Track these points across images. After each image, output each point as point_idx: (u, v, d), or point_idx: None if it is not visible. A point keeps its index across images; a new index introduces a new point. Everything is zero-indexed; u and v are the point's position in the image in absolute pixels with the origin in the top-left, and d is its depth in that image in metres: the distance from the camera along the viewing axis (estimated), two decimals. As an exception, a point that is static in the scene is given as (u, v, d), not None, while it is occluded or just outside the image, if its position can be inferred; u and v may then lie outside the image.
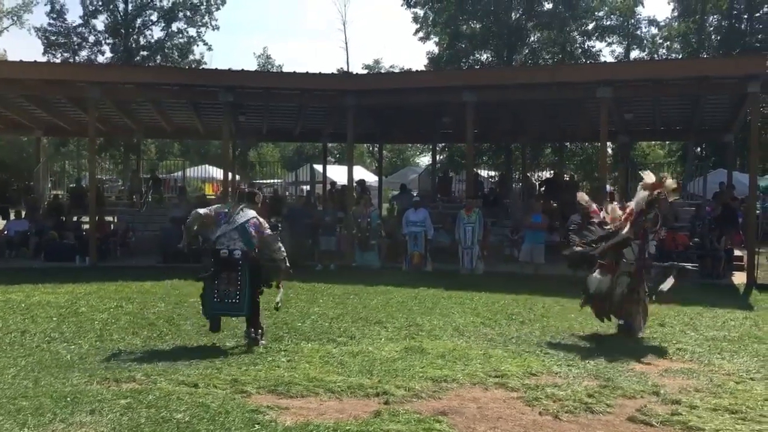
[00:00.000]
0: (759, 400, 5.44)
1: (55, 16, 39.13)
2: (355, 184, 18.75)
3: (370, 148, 45.86)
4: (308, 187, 25.88)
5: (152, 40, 41.02)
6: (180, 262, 14.82)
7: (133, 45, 40.31)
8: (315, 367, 6.37)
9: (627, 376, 6.18)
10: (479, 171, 28.05)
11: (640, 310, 8.03)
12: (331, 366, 6.42)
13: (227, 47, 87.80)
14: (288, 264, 7.68)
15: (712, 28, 38.37)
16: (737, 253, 14.82)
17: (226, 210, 7.58)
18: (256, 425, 4.74)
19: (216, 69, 18.73)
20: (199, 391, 5.53)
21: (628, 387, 5.80)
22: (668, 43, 40.53)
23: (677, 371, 6.40)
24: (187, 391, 5.50)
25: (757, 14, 36.66)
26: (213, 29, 42.53)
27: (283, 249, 7.63)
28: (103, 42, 40.11)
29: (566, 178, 24.75)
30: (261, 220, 7.59)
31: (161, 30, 41.27)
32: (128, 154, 27.23)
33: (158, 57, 40.33)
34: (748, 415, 5.06)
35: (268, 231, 7.60)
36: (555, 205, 18.01)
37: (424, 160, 51.22)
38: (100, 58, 39.11)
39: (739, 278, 13.44)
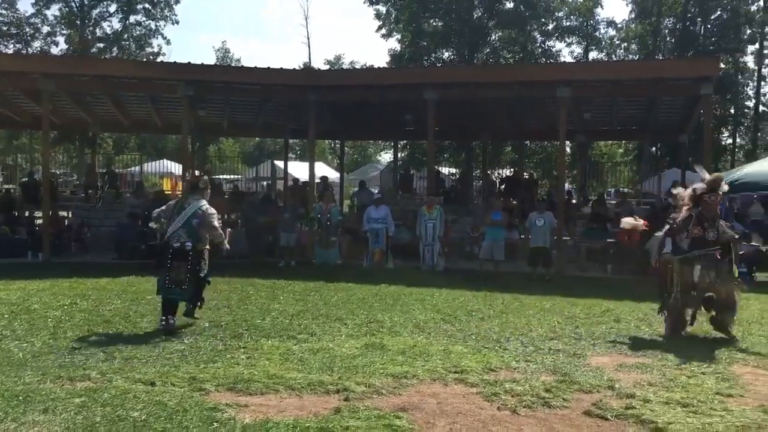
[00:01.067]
0: (709, 394, 5.58)
1: (6, 5, 38.18)
2: (319, 181, 18.71)
3: (332, 145, 45.81)
4: (269, 183, 25.74)
5: (109, 32, 40.23)
6: (137, 259, 14.66)
7: (89, 36, 39.48)
8: (275, 364, 6.33)
9: (583, 371, 6.28)
10: (440, 168, 28.20)
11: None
12: (291, 363, 6.38)
13: (185, 43, 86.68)
14: (228, 246, 8.45)
15: (667, 31, 39.25)
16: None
17: (177, 203, 8.27)
18: (215, 423, 4.69)
19: (176, 62, 18.41)
20: (156, 389, 5.45)
21: (585, 382, 5.90)
22: (625, 44, 41.34)
23: (632, 366, 6.52)
24: (144, 389, 5.41)
25: (711, 18, 37.60)
26: (173, 23, 41.94)
27: (221, 232, 8.21)
28: (57, 33, 39.22)
29: (526, 176, 25.04)
30: (206, 210, 8.05)
31: (119, 22, 40.52)
32: (84, 147, 26.71)
33: (115, 49, 39.61)
34: (699, 409, 5.18)
35: (213, 218, 8.07)
36: (515, 202, 18.21)
37: (386, 156, 51.35)
38: (54, 50, 38.24)
39: (692, 275, 13.73)
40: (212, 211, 8.16)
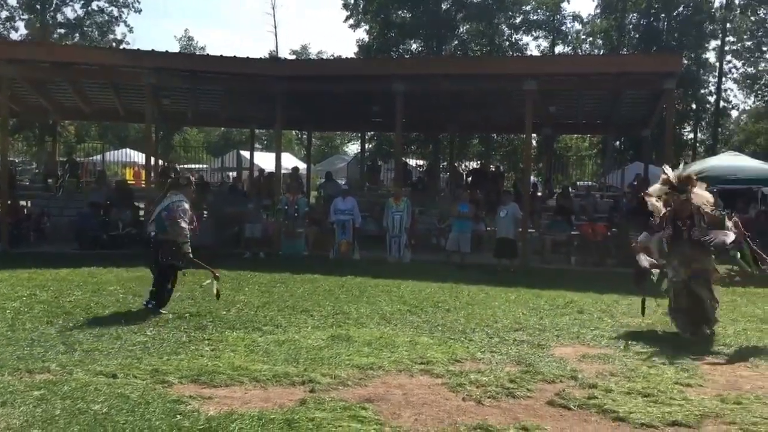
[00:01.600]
0: (669, 384, 5.69)
1: (-36, -11, 37.14)
2: (289, 171, 18.60)
3: (299, 135, 45.54)
4: (234, 174, 25.50)
5: (71, 17, 39.39)
6: (98, 249, 14.44)
7: (50, 22, 38.60)
8: (240, 355, 6.27)
9: (547, 362, 6.35)
10: (408, 160, 28.27)
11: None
12: (256, 355, 6.34)
13: (148, 31, 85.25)
14: (188, 250, 8.38)
15: (631, 26, 39.78)
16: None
17: (161, 197, 8.59)
18: (178, 415, 4.64)
19: (139, 49, 18.09)
20: (118, 381, 5.37)
21: (548, 372, 5.97)
22: (591, 39, 41.80)
23: (594, 356, 6.61)
24: (105, 382, 5.32)
25: (674, 14, 38.21)
26: (135, 11, 41.22)
27: (186, 233, 8.28)
28: (17, 17, 38.25)
29: (492, 168, 25.22)
30: (177, 205, 8.24)
31: (81, 8, 39.67)
32: (44, 136, 26.12)
33: (77, 36, 38.79)
34: (659, 398, 5.28)
35: (180, 214, 8.20)
36: (481, 195, 18.32)
37: (353, 148, 51.21)
38: (14, 35, 37.32)
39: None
40: (183, 207, 8.25)
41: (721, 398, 5.34)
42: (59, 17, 39.48)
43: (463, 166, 27.35)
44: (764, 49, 39.61)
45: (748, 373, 6.24)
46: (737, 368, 6.40)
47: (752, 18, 38.75)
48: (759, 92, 40.95)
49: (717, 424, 4.82)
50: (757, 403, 5.25)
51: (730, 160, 15.39)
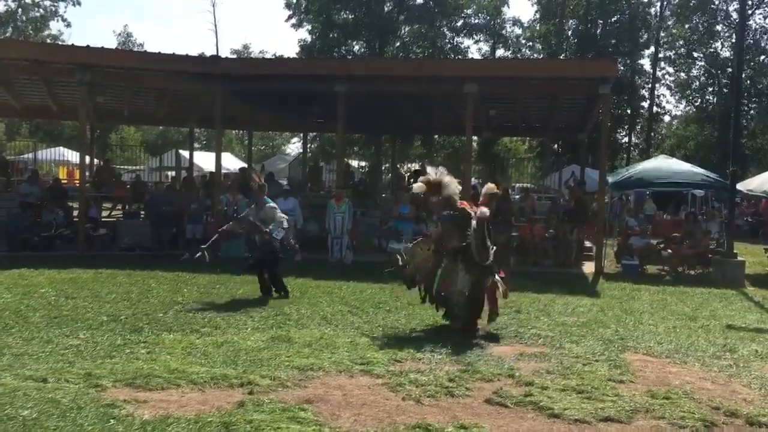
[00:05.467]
0: (603, 380, 5.86)
1: None
2: (237, 171, 18.28)
3: (239, 135, 44.97)
4: (173, 173, 24.97)
5: (1, 11, 37.94)
6: (29, 250, 13.93)
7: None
8: (177, 358, 6.16)
9: (486, 361, 6.45)
10: (350, 161, 28.24)
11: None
12: (193, 357, 6.24)
13: (85, 26, 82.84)
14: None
15: (570, 32, 40.75)
16: (587, 244, 15.83)
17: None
18: (111, 420, 4.53)
19: (72, 45, 17.51)
20: (49, 386, 5.21)
21: (486, 371, 6.06)
22: (531, 43, 42.64)
23: (531, 355, 6.75)
24: (35, 387, 5.17)
25: (610, 21, 39.33)
26: (73, 4, 39.93)
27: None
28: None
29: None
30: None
31: (13, 1, 38.24)
32: (-29, 133, 25.12)
33: (9, 30, 37.37)
34: (593, 395, 5.43)
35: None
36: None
37: (294, 148, 50.91)
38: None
39: (588, 267, 14.37)
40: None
41: (651, 394, 5.53)
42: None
43: (404, 168, 27.49)
44: (695, 55, 41.14)
45: (677, 369, 6.48)
46: (666, 364, 6.63)
47: (686, 26, 40.20)
48: (690, 98, 42.51)
49: (647, 419, 4.99)
50: (685, 398, 5.46)
51: (663, 164, 15.87)
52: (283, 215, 9.98)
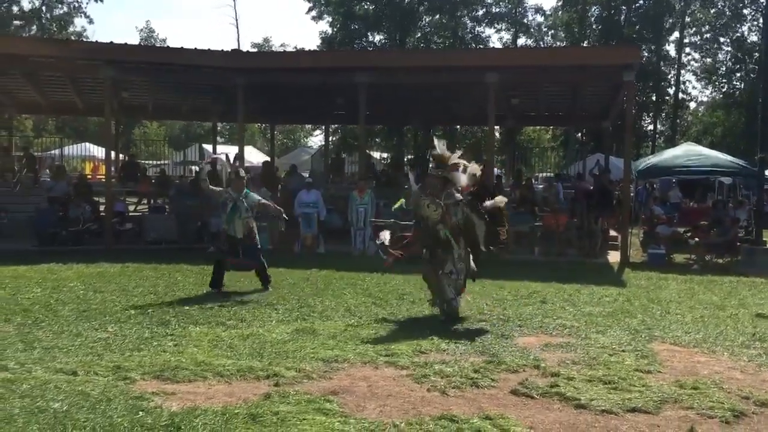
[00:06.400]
0: (629, 371, 5.80)
1: None
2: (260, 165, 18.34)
3: (262, 128, 45.16)
4: (197, 167, 25.14)
5: (27, 9, 38.41)
6: (57, 245, 14.15)
7: (5, 13, 37.59)
8: (203, 350, 6.22)
9: (511, 351, 6.42)
10: (372, 153, 28.22)
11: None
12: (220, 349, 6.29)
13: (108, 22, 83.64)
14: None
15: (593, 18, 40.28)
16: (612, 233, 15.69)
17: None
18: (140, 412, 4.58)
19: (96, 42, 17.77)
20: (78, 378, 5.28)
21: (512, 361, 6.03)
22: (553, 31, 42.23)
23: (557, 345, 6.71)
24: (65, 380, 5.24)
25: (634, 7, 38.79)
26: (96, 0, 40.29)
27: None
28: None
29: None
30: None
31: (38, -1, 38.73)
32: (-1, 130, 25.50)
33: (34, 28, 37.84)
34: (620, 385, 5.38)
35: None
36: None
37: (316, 141, 51.03)
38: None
39: (614, 257, 14.25)
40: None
41: (680, 384, 5.47)
42: (15, 8, 38.44)
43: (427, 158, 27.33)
44: (722, 40, 40.48)
45: (705, 358, 6.40)
46: (694, 354, 6.55)
47: (711, 10, 39.54)
48: (716, 83, 41.84)
49: (675, 409, 4.93)
50: (713, 387, 5.39)
51: (689, 151, 15.67)
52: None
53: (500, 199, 8.20)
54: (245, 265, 9.63)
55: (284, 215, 10.05)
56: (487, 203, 8.02)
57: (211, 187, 9.66)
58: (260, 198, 9.88)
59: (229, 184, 9.75)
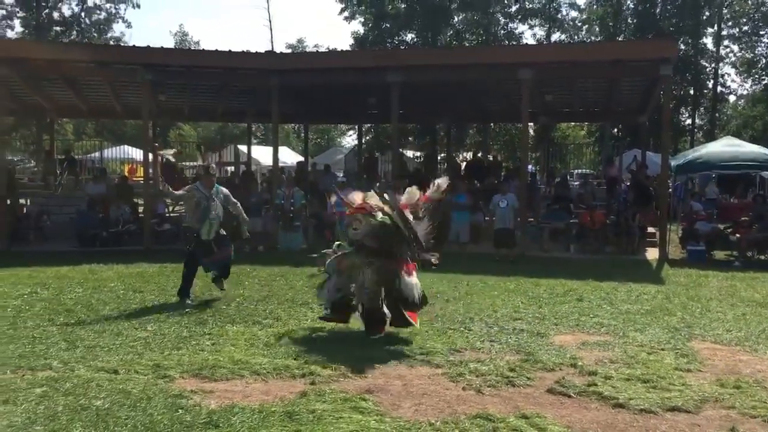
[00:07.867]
0: (669, 370, 5.72)
1: (-42, -12, 36.97)
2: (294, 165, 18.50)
3: (296, 129, 45.47)
4: (232, 168, 25.47)
5: (67, 15, 39.21)
6: (98, 246, 14.44)
7: (46, 19, 38.43)
8: (240, 349, 6.30)
9: (547, 350, 6.38)
10: (405, 151, 28.20)
11: None
12: (256, 348, 6.36)
13: (144, 26, 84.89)
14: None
15: (628, 12, 39.65)
16: (650, 229, 15.45)
17: None
18: (180, 410, 4.66)
19: (134, 46, 18.04)
20: (120, 377, 5.40)
21: (548, 360, 5.99)
22: (587, 26, 41.67)
23: (594, 344, 6.64)
24: (107, 378, 5.35)
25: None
26: (134, 6, 40.96)
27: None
28: (13, 16, 38.10)
29: (490, 158, 25.19)
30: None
31: (77, 5, 39.50)
32: (41, 134, 26.11)
33: (74, 33, 38.63)
34: (658, 384, 5.31)
35: None
36: (479, 185, 18.31)
37: (349, 140, 51.19)
38: (10, 33, 37.17)
39: (652, 254, 14.03)
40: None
41: (720, 383, 5.37)
42: (55, 15, 39.29)
43: (460, 157, 27.28)
44: (761, 33, 39.53)
45: (747, 357, 6.27)
46: (736, 353, 6.43)
47: (749, 2, 38.64)
48: (756, 77, 40.88)
49: (716, 409, 4.85)
50: (755, 387, 5.29)
51: (728, 146, 15.32)
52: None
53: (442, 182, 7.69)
54: (222, 258, 9.03)
55: (247, 230, 9.69)
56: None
57: (176, 193, 9.22)
58: (230, 194, 9.51)
59: (197, 179, 9.39)
